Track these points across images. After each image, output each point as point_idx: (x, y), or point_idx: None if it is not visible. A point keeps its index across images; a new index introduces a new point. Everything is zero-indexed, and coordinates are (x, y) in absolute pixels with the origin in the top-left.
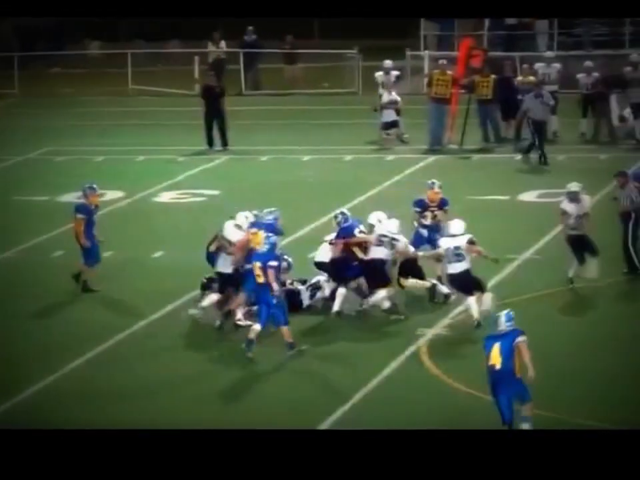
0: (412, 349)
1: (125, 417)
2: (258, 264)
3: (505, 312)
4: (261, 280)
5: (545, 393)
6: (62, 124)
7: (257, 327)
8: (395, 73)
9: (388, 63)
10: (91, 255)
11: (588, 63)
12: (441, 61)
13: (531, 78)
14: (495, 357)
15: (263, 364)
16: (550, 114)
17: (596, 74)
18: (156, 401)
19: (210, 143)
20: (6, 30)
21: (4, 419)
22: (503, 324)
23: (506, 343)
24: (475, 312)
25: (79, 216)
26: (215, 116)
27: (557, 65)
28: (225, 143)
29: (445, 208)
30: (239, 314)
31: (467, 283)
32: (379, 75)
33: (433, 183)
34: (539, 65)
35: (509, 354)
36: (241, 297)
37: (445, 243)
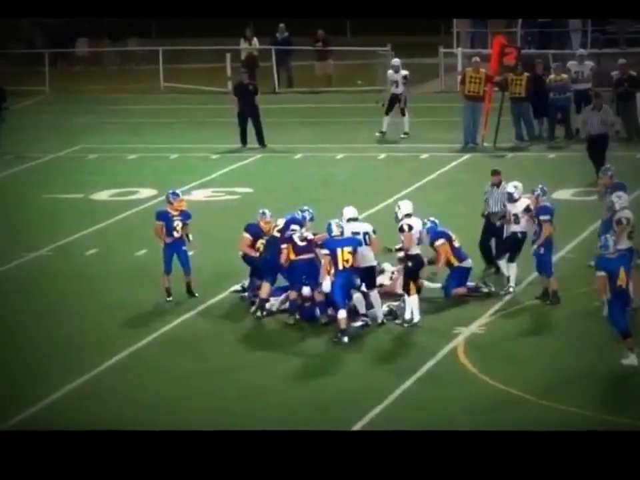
0: (449, 347)
1: (158, 417)
2: (348, 249)
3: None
4: (349, 265)
5: (582, 392)
6: (93, 121)
7: (343, 313)
8: (403, 72)
9: (396, 61)
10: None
11: (622, 61)
12: (474, 59)
13: (564, 76)
14: (622, 278)
15: (296, 363)
16: (608, 130)
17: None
18: (188, 402)
19: (243, 140)
20: (31, 28)
21: (51, 415)
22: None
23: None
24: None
25: (158, 223)
26: (249, 114)
27: (590, 63)
28: (261, 142)
29: (540, 218)
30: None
31: None
32: (390, 72)
33: (534, 192)
34: (571, 63)
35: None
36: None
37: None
